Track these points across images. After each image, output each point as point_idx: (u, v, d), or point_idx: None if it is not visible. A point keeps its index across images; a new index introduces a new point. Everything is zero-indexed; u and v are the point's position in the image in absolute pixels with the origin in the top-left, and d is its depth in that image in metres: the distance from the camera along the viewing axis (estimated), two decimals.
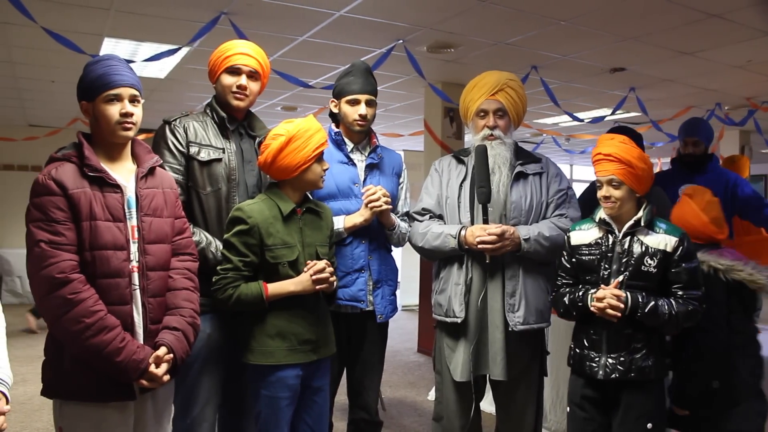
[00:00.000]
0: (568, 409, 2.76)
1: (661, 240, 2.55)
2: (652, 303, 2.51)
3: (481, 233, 2.73)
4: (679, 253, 2.54)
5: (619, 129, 3.72)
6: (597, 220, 2.66)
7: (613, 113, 7.49)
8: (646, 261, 2.54)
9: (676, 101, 7.53)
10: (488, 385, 3.04)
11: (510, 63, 5.80)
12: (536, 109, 8.10)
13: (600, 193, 2.60)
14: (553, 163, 3.04)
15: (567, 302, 2.66)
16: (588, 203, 2.92)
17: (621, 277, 2.56)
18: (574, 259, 2.70)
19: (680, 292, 2.54)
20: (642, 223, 2.58)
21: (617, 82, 6.61)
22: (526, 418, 2.94)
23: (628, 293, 2.52)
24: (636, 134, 3.66)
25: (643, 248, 2.56)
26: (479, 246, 2.74)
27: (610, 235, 2.63)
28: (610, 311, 2.50)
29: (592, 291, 2.58)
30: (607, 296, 2.51)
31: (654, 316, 2.50)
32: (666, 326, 2.54)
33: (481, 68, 3.09)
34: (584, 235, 2.69)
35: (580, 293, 2.62)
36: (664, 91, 7.01)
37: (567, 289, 2.70)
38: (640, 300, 2.51)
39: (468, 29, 4.98)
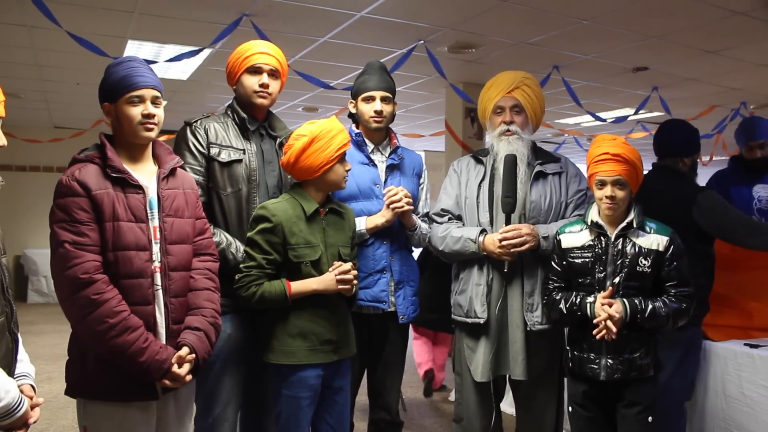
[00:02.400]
0: (570, 409, 2.77)
1: (653, 240, 2.59)
2: (650, 307, 2.54)
3: (496, 243, 2.73)
4: (670, 252, 2.59)
5: (672, 123, 3.55)
6: (589, 223, 2.67)
7: (636, 113, 7.42)
8: (641, 261, 2.58)
9: (700, 100, 7.45)
10: (508, 386, 3.03)
11: (532, 63, 5.78)
12: (558, 109, 8.05)
13: (602, 193, 2.60)
14: (572, 163, 3.03)
15: (564, 311, 2.65)
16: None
17: (617, 279, 2.57)
18: (565, 262, 2.70)
19: (673, 291, 2.59)
20: (634, 225, 2.60)
21: (640, 82, 6.55)
22: (546, 418, 2.93)
23: (626, 301, 2.54)
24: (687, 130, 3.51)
25: (636, 249, 2.59)
26: (504, 243, 2.72)
27: (602, 237, 2.64)
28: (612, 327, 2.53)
29: (590, 299, 2.59)
30: (605, 323, 2.52)
31: (653, 319, 2.55)
32: (664, 326, 2.58)
33: (502, 68, 3.08)
34: (575, 237, 2.69)
35: (577, 300, 2.62)
36: (687, 91, 6.94)
37: (560, 295, 2.69)
38: (639, 306, 2.54)
39: (489, 29, 4.96)
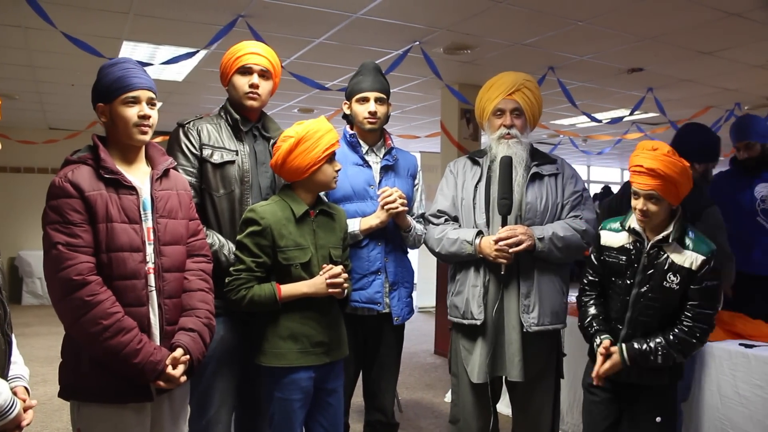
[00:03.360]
0: (584, 393, 2.80)
1: (688, 257, 2.50)
2: (653, 354, 2.50)
3: (493, 245, 2.73)
4: (703, 272, 2.48)
5: (690, 126, 3.52)
6: (627, 228, 2.61)
7: (631, 114, 7.43)
8: (669, 277, 2.50)
9: (695, 101, 7.46)
10: (504, 387, 3.03)
11: (527, 64, 5.78)
12: (553, 110, 8.06)
13: (635, 204, 2.53)
14: (569, 164, 3.02)
15: (579, 327, 2.74)
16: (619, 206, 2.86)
17: (608, 343, 2.58)
18: (602, 258, 2.70)
19: (691, 310, 2.50)
20: (671, 240, 2.52)
21: (635, 83, 6.56)
22: (542, 419, 2.93)
23: (625, 351, 2.53)
24: (707, 137, 3.47)
25: (668, 264, 2.51)
26: (500, 244, 2.72)
27: (638, 244, 2.59)
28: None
29: (597, 340, 2.60)
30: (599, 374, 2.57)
31: (656, 363, 2.51)
32: (671, 364, 2.54)
33: (498, 69, 3.08)
34: (614, 237, 2.67)
35: (591, 330, 2.66)
36: (682, 92, 6.95)
37: (588, 299, 2.71)
38: (639, 352, 2.51)
39: (485, 30, 4.97)
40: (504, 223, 2.78)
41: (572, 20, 4.64)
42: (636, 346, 2.53)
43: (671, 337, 2.51)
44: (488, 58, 5.75)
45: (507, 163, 2.80)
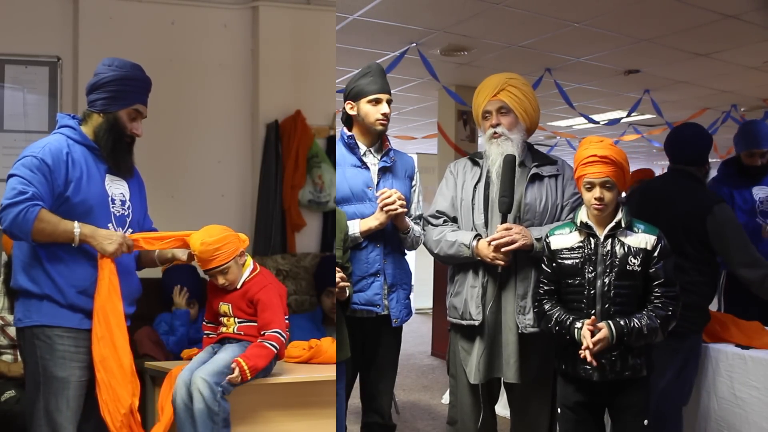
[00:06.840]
0: (558, 410, 2.76)
1: (641, 239, 2.59)
2: (638, 327, 2.50)
3: (489, 247, 2.73)
4: (658, 250, 2.58)
5: (692, 130, 3.46)
6: (578, 224, 2.65)
7: (628, 115, 7.45)
8: (630, 260, 2.57)
9: (692, 103, 7.49)
10: (502, 388, 3.04)
11: (524, 65, 5.79)
12: (550, 112, 8.08)
13: (591, 195, 2.58)
14: (570, 165, 3.01)
15: (554, 331, 2.64)
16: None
17: (598, 307, 2.56)
18: (555, 264, 2.69)
19: (659, 290, 2.57)
20: (623, 225, 2.60)
21: (632, 84, 6.58)
22: (540, 421, 2.93)
23: (612, 325, 2.51)
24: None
25: (626, 249, 2.58)
26: (494, 243, 2.72)
27: (591, 238, 2.63)
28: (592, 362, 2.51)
29: (577, 325, 2.55)
30: (591, 348, 2.49)
31: (641, 338, 2.52)
32: (654, 341, 2.56)
33: (494, 71, 3.08)
34: (564, 239, 2.68)
35: (567, 323, 2.59)
36: (679, 93, 6.98)
37: (549, 308, 2.65)
38: (625, 328, 2.51)
39: (482, 32, 4.98)
40: (504, 221, 2.77)
41: (569, 22, 4.66)
42: (621, 321, 2.53)
43: (649, 312, 2.56)
44: (485, 59, 5.76)
45: (510, 161, 2.79)
